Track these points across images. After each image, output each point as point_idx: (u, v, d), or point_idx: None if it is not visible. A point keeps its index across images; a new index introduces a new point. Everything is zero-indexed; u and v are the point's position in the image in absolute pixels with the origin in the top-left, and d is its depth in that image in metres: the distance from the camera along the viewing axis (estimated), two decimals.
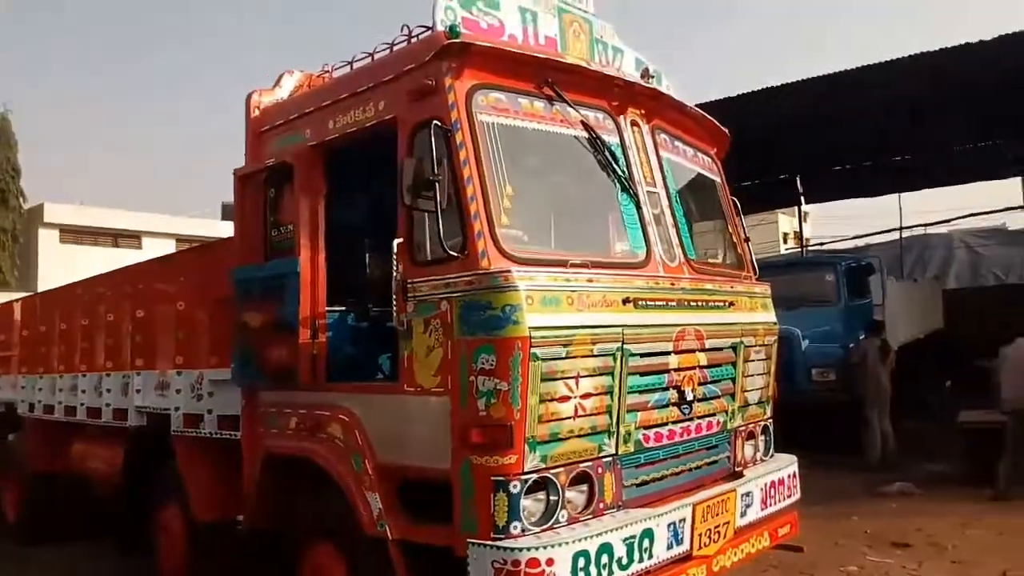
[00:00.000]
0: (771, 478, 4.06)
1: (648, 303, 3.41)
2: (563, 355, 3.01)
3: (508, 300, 2.90)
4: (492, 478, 2.90)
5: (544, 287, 3.00)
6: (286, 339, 3.72)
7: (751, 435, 4.26)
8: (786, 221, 41.11)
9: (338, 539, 3.60)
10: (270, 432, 3.99)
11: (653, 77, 3.97)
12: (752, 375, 4.19)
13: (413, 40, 3.56)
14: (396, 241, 3.26)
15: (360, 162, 4.01)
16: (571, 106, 3.50)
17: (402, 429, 3.29)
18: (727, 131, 4.73)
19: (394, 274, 3.24)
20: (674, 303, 3.57)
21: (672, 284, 3.61)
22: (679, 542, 3.33)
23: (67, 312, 6.67)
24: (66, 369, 6.53)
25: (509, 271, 2.93)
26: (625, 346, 3.25)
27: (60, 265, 24.41)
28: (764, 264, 14.42)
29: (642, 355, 3.36)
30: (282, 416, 3.91)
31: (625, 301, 3.29)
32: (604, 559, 2.95)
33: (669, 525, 3.28)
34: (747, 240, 4.82)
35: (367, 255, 4.14)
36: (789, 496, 4.23)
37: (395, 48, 3.67)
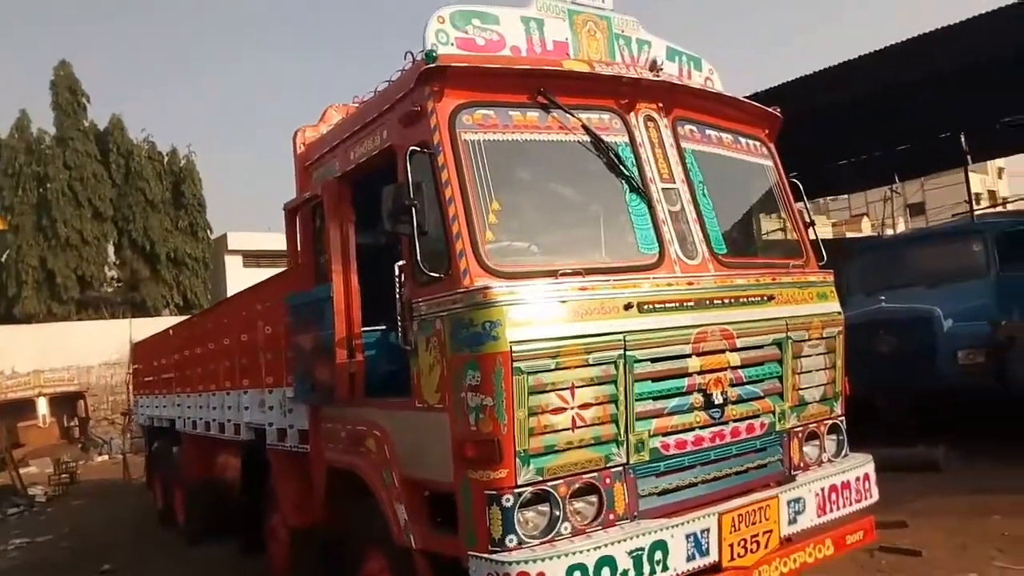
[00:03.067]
0: (830, 482, 3.76)
1: (656, 306, 3.29)
2: (552, 367, 3.00)
3: (487, 316, 2.94)
4: (486, 492, 2.95)
5: (528, 300, 3.00)
6: (328, 359, 3.98)
7: (812, 436, 3.97)
8: (978, 180, 37.14)
9: (382, 547, 3.80)
10: (328, 446, 4.29)
11: (662, 69, 3.81)
12: (808, 371, 3.92)
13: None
14: (398, 263, 3.39)
15: None
16: (567, 112, 3.46)
17: (417, 443, 3.42)
18: (775, 111, 4.43)
19: (398, 295, 3.38)
20: (691, 303, 3.41)
21: (690, 283, 3.46)
22: (703, 553, 3.19)
23: (199, 337, 7.49)
24: (203, 389, 7.33)
25: (488, 288, 2.97)
26: (628, 353, 3.17)
27: (245, 287, 27.05)
28: (902, 238, 13.13)
29: (652, 360, 3.26)
30: (336, 431, 4.18)
31: (627, 307, 3.20)
32: (605, 572, 2.91)
33: (688, 536, 3.15)
34: (810, 224, 4.49)
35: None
36: (858, 500, 3.89)
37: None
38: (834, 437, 4.12)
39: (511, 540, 2.92)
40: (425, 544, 3.36)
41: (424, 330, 3.28)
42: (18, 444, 19.05)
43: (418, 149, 3.20)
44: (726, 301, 3.54)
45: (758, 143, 4.38)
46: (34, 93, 59.59)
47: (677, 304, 3.37)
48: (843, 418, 4.17)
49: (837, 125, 12.26)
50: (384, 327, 4.41)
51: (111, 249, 29.90)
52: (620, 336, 3.15)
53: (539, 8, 3.85)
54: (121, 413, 18.70)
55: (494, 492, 2.93)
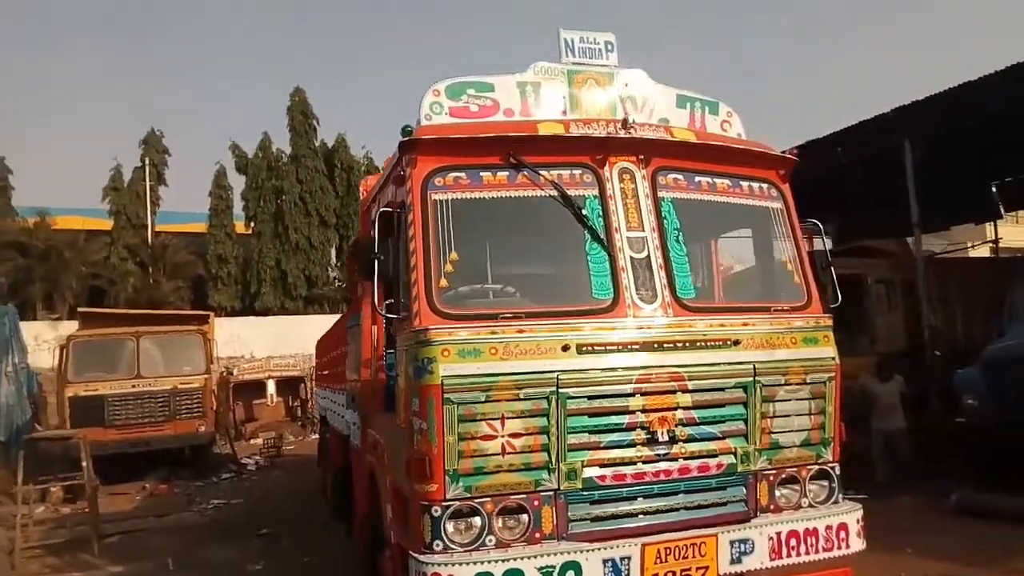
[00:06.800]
0: (790, 527, 3.79)
1: (595, 348, 3.60)
2: (483, 399, 3.45)
3: (426, 353, 3.47)
4: (421, 502, 3.49)
5: (464, 340, 3.48)
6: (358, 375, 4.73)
7: (791, 480, 3.99)
8: None
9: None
10: (368, 448, 5.03)
11: (634, 126, 3.97)
12: (786, 415, 3.96)
13: None
14: (387, 302, 4.01)
15: None
16: (534, 171, 3.85)
17: (396, 454, 4.02)
18: (788, 154, 4.42)
19: (386, 329, 4.01)
20: (636, 346, 3.66)
21: (639, 327, 3.70)
22: None
23: (332, 344, 8.70)
24: (332, 386, 8.52)
25: (429, 329, 3.49)
26: (561, 390, 3.52)
27: None
28: None
29: (589, 398, 3.58)
30: (370, 436, 4.92)
31: (564, 348, 3.56)
32: None
33: (607, 561, 3.44)
34: (828, 266, 4.41)
35: None
36: (828, 549, 3.84)
37: None
38: (824, 483, 4.08)
39: (438, 545, 3.42)
40: (398, 539, 3.96)
41: (400, 359, 3.88)
42: (253, 418, 22.57)
43: (388, 210, 3.80)
44: (678, 345, 3.74)
45: (765, 185, 4.37)
46: (274, 117, 68.41)
47: (619, 347, 3.64)
48: (835, 465, 4.12)
49: None
50: None
51: (333, 253, 33.82)
52: (553, 374, 3.52)
53: (536, 72, 4.24)
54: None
55: (427, 503, 3.46)
